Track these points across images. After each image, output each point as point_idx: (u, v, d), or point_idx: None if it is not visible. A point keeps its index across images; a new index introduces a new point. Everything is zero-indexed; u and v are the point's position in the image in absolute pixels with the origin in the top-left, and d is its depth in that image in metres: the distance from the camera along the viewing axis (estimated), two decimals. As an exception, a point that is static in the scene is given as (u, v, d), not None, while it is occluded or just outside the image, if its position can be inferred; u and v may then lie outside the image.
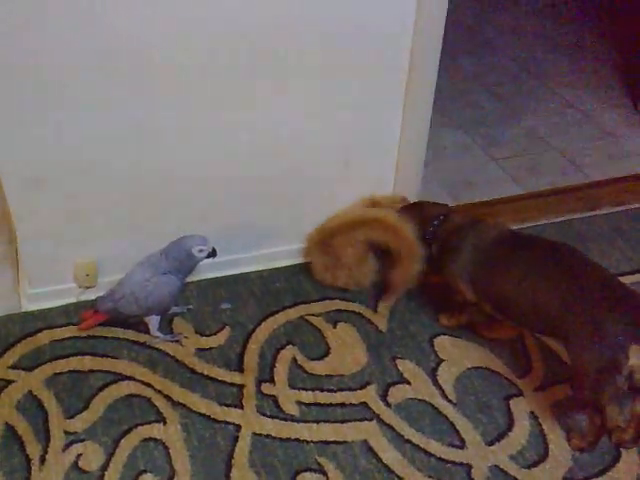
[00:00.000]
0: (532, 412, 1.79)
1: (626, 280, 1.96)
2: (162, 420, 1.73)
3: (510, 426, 1.75)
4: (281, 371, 1.87)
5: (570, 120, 3.10)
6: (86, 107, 1.76)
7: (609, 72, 3.50)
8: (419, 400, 1.81)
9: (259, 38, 1.79)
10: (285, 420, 1.74)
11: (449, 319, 2.01)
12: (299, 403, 1.79)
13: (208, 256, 1.88)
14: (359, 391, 1.82)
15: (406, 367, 1.89)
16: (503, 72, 3.50)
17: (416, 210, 2.08)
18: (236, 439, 1.69)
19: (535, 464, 1.67)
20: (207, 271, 2.14)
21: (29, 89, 1.69)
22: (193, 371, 1.86)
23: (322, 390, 1.82)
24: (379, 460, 1.66)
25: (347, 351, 1.94)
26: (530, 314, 1.73)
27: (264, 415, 1.75)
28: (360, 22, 1.86)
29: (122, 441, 1.67)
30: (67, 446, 1.66)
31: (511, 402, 1.81)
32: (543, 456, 1.68)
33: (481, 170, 2.76)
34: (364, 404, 1.79)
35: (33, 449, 1.65)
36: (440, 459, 1.67)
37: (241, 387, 1.82)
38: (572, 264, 1.73)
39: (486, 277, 1.84)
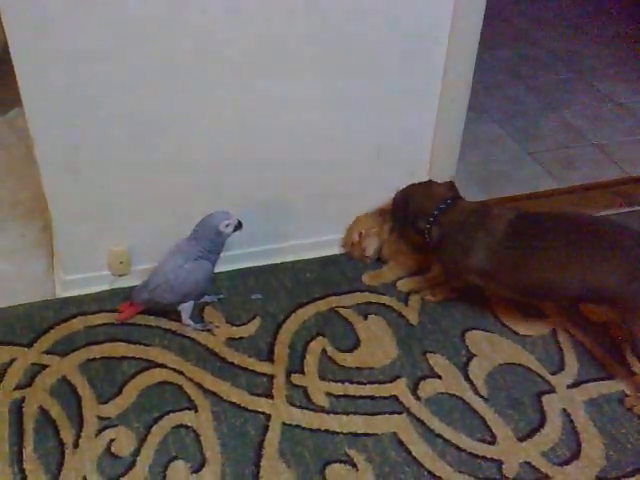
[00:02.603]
0: (564, 409, 1.76)
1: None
2: (193, 408, 1.74)
3: (542, 423, 1.73)
4: (311, 362, 1.87)
5: (607, 114, 3.04)
6: (118, 93, 1.77)
7: (649, 65, 3.43)
8: (450, 395, 1.79)
9: (289, 22, 1.79)
10: (315, 411, 1.74)
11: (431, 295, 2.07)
12: (329, 394, 1.79)
13: (235, 229, 1.89)
14: (389, 384, 1.82)
15: (437, 361, 1.88)
16: (539, 64, 3.45)
17: (421, 187, 2.03)
18: (266, 428, 1.70)
19: (567, 462, 1.64)
20: (238, 261, 2.15)
21: (69, 76, 1.71)
22: (224, 360, 1.87)
23: (352, 382, 1.82)
24: (409, 453, 1.65)
25: (377, 344, 1.93)
26: (574, 290, 1.74)
27: (294, 405, 1.76)
28: (397, 10, 1.85)
29: (154, 427, 1.69)
30: (100, 431, 1.68)
31: (543, 399, 1.79)
32: (576, 454, 1.66)
33: (516, 163, 2.72)
34: (394, 397, 1.78)
35: (66, 433, 1.68)
36: (471, 454, 1.66)
37: (271, 377, 1.83)
38: (613, 235, 1.73)
39: (511, 268, 1.81)
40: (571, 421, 1.73)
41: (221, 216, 1.87)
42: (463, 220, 1.89)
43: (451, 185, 2.04)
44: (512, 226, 1.82)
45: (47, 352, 1.87)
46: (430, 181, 2.08)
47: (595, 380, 1.83)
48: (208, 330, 1.95)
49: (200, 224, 1.89)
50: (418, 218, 1.97)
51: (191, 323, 1.94)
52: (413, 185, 2.06)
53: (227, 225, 1.87)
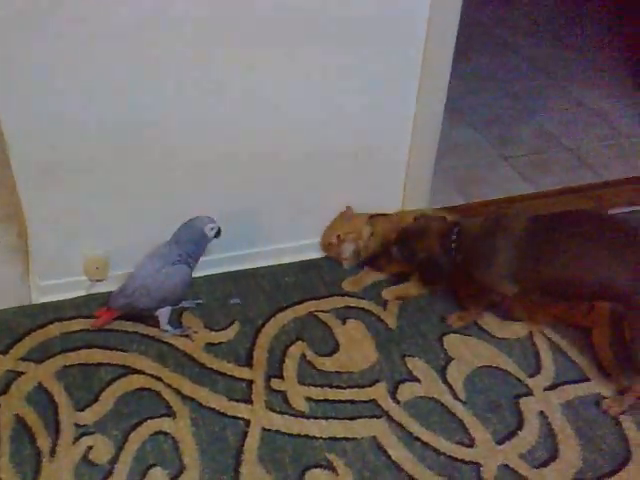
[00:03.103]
0: (542, 412, 1.78)
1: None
2: (172, 414, 1.73)
3: (520, 425, 1.74)
4: (290, 367, 1.87)
5: (582, 119, 3.09)
6: (95, 98, 1.76)
7: (622, 71, 3.49)
8: (429, 398, 1.80)
9: (270, 22, 1.79)
10: (294, 416, 1.74)
11: (458, 320, 2.01)
12: (308, 399, 1.78)
13: (215, 235, 1.91)
14: (368, 388, 1.82)
15: (415, 365, 1.89)
16: (515, 70, 3.49)
17: (425, 226, 2.00)
18: (245, 434, 1.69)
19: (545, 464, 1.66)
20: (217, 266, 2.14)
21: (43, 80, 1.70)
22: (202, 366, 1.86)
23: (331, 387, 1.82)
24: (388, 457, 1.66)
25: (356, 348, 1.93)
26: (590, 287, 1.77)
27: (273, 411, 1.75)
28: (372, 17, 1.86)
29: (132, 434, 1.67)
30: (77, 439, 1.66)
31: (521, 401, 1.80)
32: (553, 456, 1.68)
33: (492, 168, 2.75)
34: (373, 401, 1.79)
35: (43, 441, 1.65)
36: (449, 457, 1.66)
37: (250, 382, 1.82)
38: (621, 230, 1.76)
39: (535, 267, 1.81)
40: (548, 423, 1.75)
41: (206, 220, 1.88)
42: (478, 235, 1.89)
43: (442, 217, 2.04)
44: (530, 227, 1.84)
45: (23, 359, 1.85)
46: (422, 224, 2.03)
47: (572, 382, 1.85)
48: (186, 335, 1.94)
49: (183, 227, 1.89)
50: (439, 259, 1.95)
51: (169, 328, 1.93)
52: (408, 233, 2.02)
53: (211, 229, 1.88)
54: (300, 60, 1.86)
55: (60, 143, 1.80)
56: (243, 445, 1.67)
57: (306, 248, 2.23)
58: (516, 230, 1.84)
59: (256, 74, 1.85)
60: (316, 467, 1.63)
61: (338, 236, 2.15)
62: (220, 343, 1.93)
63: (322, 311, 2.04)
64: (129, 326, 1.95)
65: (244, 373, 1.84)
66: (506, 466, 1.65)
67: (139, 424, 1.70)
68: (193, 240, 1.88)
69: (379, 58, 1.94)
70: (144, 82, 1.77)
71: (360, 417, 1.75)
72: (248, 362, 1.87)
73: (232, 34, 1.77)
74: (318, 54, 1.87)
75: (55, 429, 1.68)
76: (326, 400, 1.79)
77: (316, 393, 1.80)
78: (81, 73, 1.71)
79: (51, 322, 1.95)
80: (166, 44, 1.73)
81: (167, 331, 1.93)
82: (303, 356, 1.90)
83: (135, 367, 1.84)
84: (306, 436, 1.70)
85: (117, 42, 1.69)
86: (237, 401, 1.77)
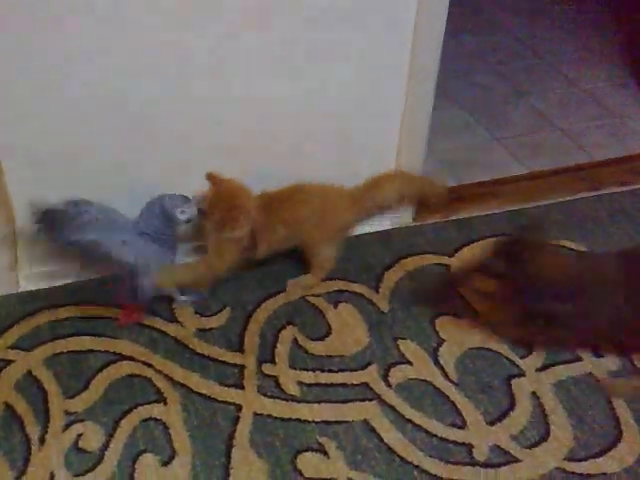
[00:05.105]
0: (534, 392, 1.78)
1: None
2: (162, 400, 1.72)
3: (511, 406, 1.74)
4: (282, 351, 1.86)
5: (574, 99, 3.07)
6: (84, 88, 1.74)
7: (614, 51, 3.46)
8: (420, 380, 1.80)
9: (256, 7, 1.76)
10: (286, 400, 1.74)
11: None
12: (300, 383, 1.78)
13: (188, 221, 1.80)
14: (360, 371, 1.82)
15: (407, 347, 1.88)
16: (506, 51, 3.46)
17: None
18: (237, 419, 1.69)
19: (536, 444, 1.66)
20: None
21: (30, 80, 1.67)
22: (193, 351, 1.85)
23: (323, 370, 1.82)
24: (380, 440, 1.65)
25: (348, 331, 1.93)
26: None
27: (265, 395, 1.75)
28: (361, -2, 1.84)
29: (122, 421, 1.67)
30: (67, 426, 1.66)
31: (512, 382, 1.80)
32: (544, 436, 1.68)
33: (483, 150, 2.73)
34: (365, 384, 1.78)
35: (33, 429, 1.65)
36: (441, 439, 1.66)
37: (242, 367, 1.81)
38: None
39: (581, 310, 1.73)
40: (540, 404, 1.75)
41: (178, 200, 1.77)
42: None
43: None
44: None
45: (12, 347, 1.83)
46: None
47: (563, 363, 1.85)
48: (204, 299, 1.97)
49: (149, 204, 1.79)
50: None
51: (184, 298, 1.95)
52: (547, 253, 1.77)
53: (182, 212, 1.78)
54: (287, 43, 1.84)
55: (46, 131, 1.78)
56: (235, 430, 1.66)
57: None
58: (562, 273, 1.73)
59: (240, 57, 1.82)
60: (308, 451, 1.63)
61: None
62: (211, 329, 1.92)
63: (313, 295, 2.03)
64: (119, 313, 1.94)
65: (235, 358, 1.84)
66: (498, 447, 1.65)
67: (129, 411, 1.69)
68: (155, 221, 1.78)
69: (367, 39, 1.91)
70: (136, 73, 1.75)
71: (352, 400, 1.74)
72: (239, 347, 1.87)
73: (217, 17, 1.74)
74: (303, 34, 1.84)
75: (45, 417, 1.67)
76: (318, 384, 1.78)
77: (308, 377, 1.80)
78: (73, 61, 1.69)
79: (40, 310, 1.94)
80: (152, 28, 1.71)
81: (185, 301, 1.95)
82: (295, 340, 1.89)
83: (125, 354, 1.83)
84: (298, 420, 1.69)
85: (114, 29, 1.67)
86: (228, 386, 1.76)
